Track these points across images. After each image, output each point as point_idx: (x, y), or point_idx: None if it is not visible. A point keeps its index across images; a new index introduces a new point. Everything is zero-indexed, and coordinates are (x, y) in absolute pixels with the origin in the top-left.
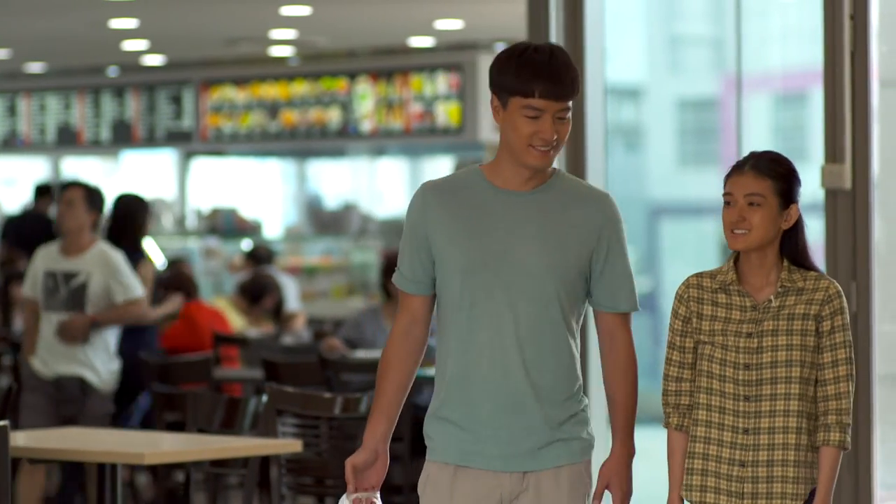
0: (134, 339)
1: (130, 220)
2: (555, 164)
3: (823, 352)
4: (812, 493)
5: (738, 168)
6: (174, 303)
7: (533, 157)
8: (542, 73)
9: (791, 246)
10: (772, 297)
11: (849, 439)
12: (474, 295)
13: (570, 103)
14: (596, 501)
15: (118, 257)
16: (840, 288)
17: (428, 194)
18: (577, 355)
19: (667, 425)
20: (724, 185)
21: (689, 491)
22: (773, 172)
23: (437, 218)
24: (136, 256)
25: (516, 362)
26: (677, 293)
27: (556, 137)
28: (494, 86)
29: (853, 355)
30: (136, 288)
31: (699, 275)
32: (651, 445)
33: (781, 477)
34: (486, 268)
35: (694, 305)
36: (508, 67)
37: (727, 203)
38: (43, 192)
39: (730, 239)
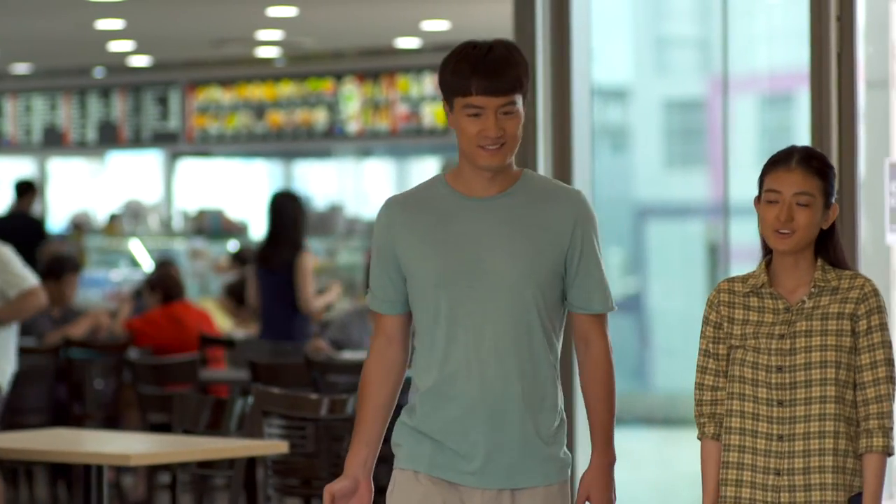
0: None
1: (288, 216)
2: (540, 164)
3: (861, 353)
4: (850, 501)
5: (784, 164)
6: (335, 291)
7: (483, 158)
8: (477, 68)
9: (827, 246)
10: (805, 298)
11: (893, 443)
12: (449, 309)
13: (518, 97)
14: None
15: (4, 250)
16: (877, 287)
17: (393, 210)
18: (557, 363)
19: (702, 436)
20: (765, 181)
21: (723, 502)
22: (821, 172)
23: (404, 234)
24: (296, 250)
25: (494, 375)
26: (708, 299)
27: (502, 134)
28: (440, 88)
29: (893, 356)
30: (29, 278)
31: (731, 279)
32: (635, 447)
33: (819, 484)
34: (458, 280)
35: (725, 310)
36: (447, 68)
37: (771, 201)
38: (24, 189)
39: (774, 239)
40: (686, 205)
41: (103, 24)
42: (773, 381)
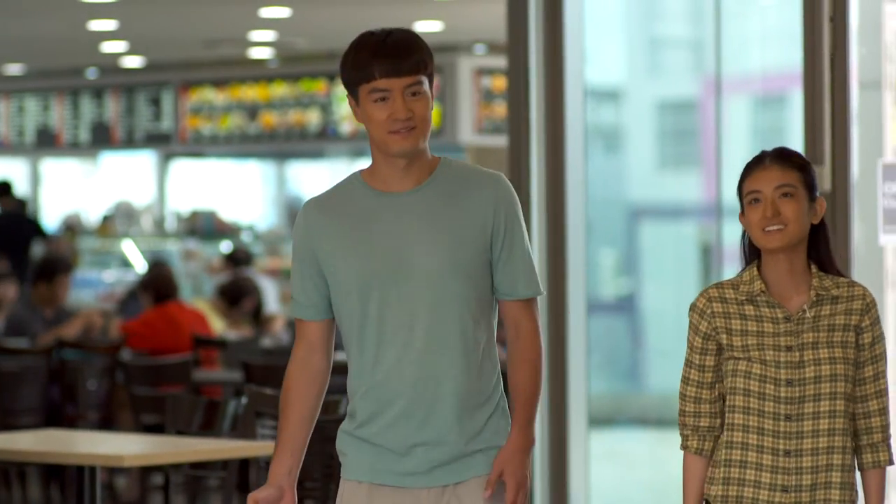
0: None
1: None
2: (533, 165)
3: (865, 365)
4: None
5: (759, 164)
6: None
7: (395, 143)
8: (378, 52)
9: (819, 246)
10: (805, 307)
11: (894, 454)
12: (375, 312)
13: (423, 78)
14: (489, 489)
15: None
16: (874, 296)
17: (310, 213)
18: (494, 352)
19: (684, 448)
20: (745, 186)
21: None
22: (796, 164)
23: (322, 236)
24: None
25: (426, 375)
26: (697, 307)
27: (411, 116)
28: (344, 84)
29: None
30: None
31: (719, 286)
32: (629, 448)
33: (824, 500)
34: (383, 281)
35: (720, 321)
36: (348, 59)
37: (753, 202)
38: (3, 190)
39: (763, 238)
40: (679, 206)
41: (96, 25)
42: (783, 394)
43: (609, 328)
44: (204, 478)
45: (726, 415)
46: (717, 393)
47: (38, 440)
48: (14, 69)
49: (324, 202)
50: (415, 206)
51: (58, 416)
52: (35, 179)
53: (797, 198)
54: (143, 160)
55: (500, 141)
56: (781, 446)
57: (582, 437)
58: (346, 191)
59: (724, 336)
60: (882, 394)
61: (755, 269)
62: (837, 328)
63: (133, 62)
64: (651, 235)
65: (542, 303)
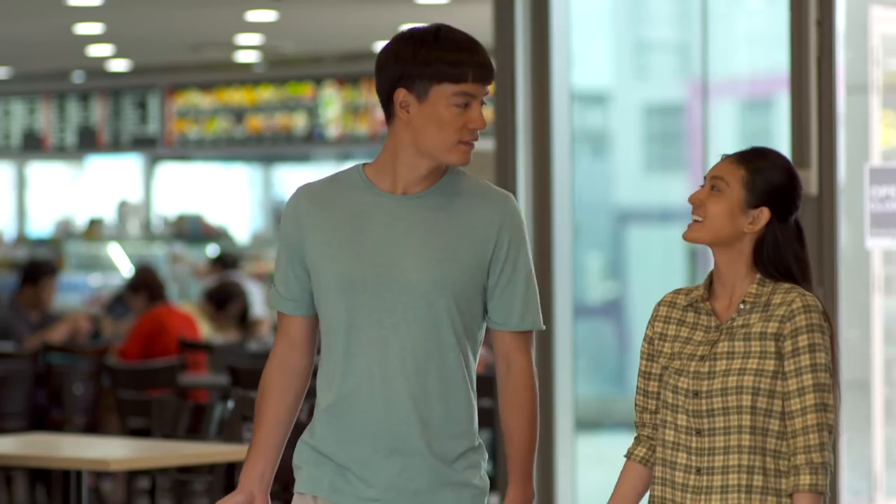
0: None
1: None
2: (520, 169)
3: (788, 378)
4: None
5: (727, 155)
6: None
7: (462, 154)
8: (472, 52)
9: (762, 256)
10: (734, 315)
11: (823, 481)
12: (354, 317)
13: None
14: None
15: None
16: (814, 302)
17: (302, 200)
18: (473, 382)
19: (626, 454)
20: None
21: None
22: (751, 164)
23: (312, 227)
24: None
25: (401, 395)
26: (652, 312)
27: (484, 128)
28: (407, 76)
29: (832, 380)
30: None
31: (676, 291)
32: (615, 452)
33: None
34: (366, 286)
35: (659, 326)
36: (430, 51)
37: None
38: None
39: (686, 230)
40: (666, 209)
41: (82, 28)
42: (691, 407)
43: (596, 332)
44: (190, 482)
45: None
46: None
47: (24, 444)
48: (0, 72)
49: (317, 191)
50: (413, 212)
51: (44, 419)
52: (21, 183)
53: (725, 195)
54: (130, 164)
55: (487, 144)
56: (693, 463)
57: (569, 440)
58: (343, 183)
59: (658, 342)
60: (807, 411)
61: (710, 274)
62: (754, 337)
63: (119, 65)
64: (638, 239)
65: None
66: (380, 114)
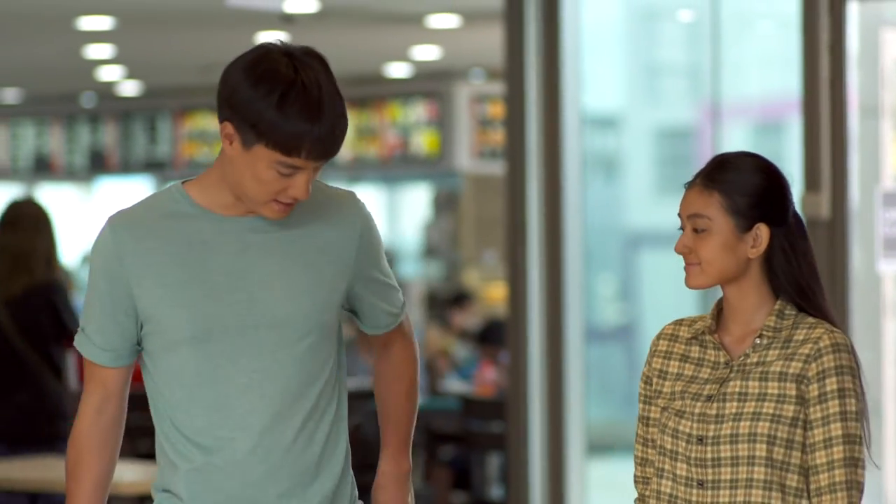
0: None
1: None
2: (531, 193)
3: (813, 428)
4: None
5: (690, 181)
6: None
7: (272, 212)
8: (315, 126)
9: (785, 269)
10: (749, 350)
11: None
12: (212, 369)
13: None
14: None
15: None
16: (843, 340)
17: (121, 234)
18: (346, 410)
19: None
20: None
21: None
22: (721, 184)
23: (141, 266)
24: None
25: (281, 445)
26: (650, 347)
27: (307, 195)
28: (237, 114)
29: (864, 432)
30: None
31: (678, 322)
32: (626, 476)
33: None
34: (226, 332)
35: (659, 362)
36: (267, 109)
37: (680, 229)
38: None
39: (685, 274)
40: (677, 233)
41: (92, 51)
42: (693, 454)
43: (607, 355)
44: None
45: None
46: None
47: (29, 467)
48: (10, 95)
49: (137, 222)
50: (262, 237)
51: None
52: None
53: (712, 233)
54: (140, 186)
55: (498, 168)
56: None
57: (580, 464)
58: (166, 210)
59: (657, 381)
60: (836, 465)
61: (717, 302)
62: (772, 377)
63: (129, 88)
64: (649, 262)
65: (539, 329)
66: (390, 137)
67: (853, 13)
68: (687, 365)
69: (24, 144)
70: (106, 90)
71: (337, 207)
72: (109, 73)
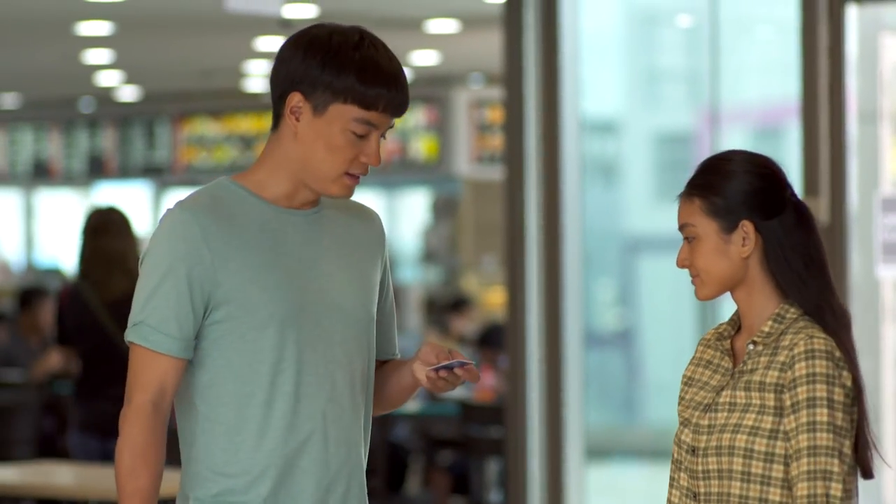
0: None
1: None
2: (530, 198)
3: (792, 437)
4: None
5: (681, 192)
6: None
7: (344, 188)
8: (389, 79)
9: (781, 275)
10: (746, 358)
11: None
12: (297, 355)
13: None
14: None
15: None
16: (822, 346)
17: (202, 218)
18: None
19: None
20: None
21: None
22: (701, 189)
23: (226, 249)
24: None
25: (354, 440)
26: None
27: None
28: (308, 81)
29: (837, 443)
30: None
31: (717, 327)
32: (624, 481)
33: None
34: (308, 317)
35: (690, 369)
36: (345, 62)
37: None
38: None
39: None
40: (676, 238)
41: (91, 56)
42: (690, 465)
43: (606, 360)
44: None
45: None
46: None
47: (31, 473)
48: (9, 100)
49: (210, 206)
50: (318, 230)
51: (51, 448)
52: (29, 211)
53: (700, 240)
54: (138, 191)
55: (497, 172)
56: None
57: (578, 469)
58: (229, 198)
59: (683, 388)
60: (800, 479)
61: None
62: (755, 387)
63: (128, 93)
64: (648, 268)
65: (538, 335)
66: (389, 142)
67: (852, 18)
68: (706, 372)
69: (23, 149)
70: (105, 95)
71: (368, 218)
72: (108, 79)
